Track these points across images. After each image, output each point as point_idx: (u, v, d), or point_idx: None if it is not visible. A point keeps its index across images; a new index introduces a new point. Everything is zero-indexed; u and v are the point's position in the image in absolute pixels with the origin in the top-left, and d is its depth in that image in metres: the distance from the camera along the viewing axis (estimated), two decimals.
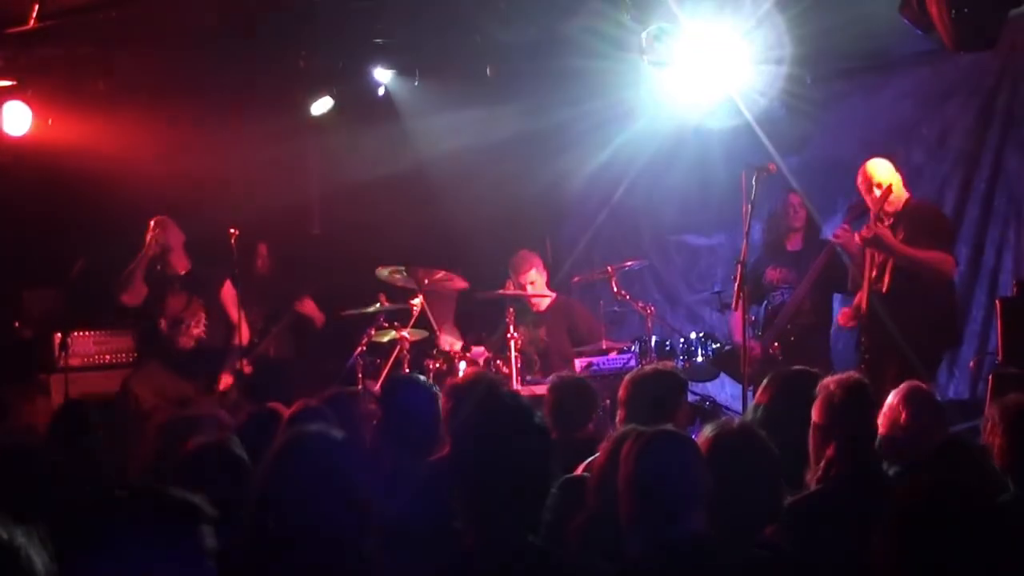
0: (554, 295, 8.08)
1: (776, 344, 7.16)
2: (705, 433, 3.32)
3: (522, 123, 8.63)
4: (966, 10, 5.48)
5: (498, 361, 7.51)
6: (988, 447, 3.87)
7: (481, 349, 7.81)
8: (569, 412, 4.99)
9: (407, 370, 7.36)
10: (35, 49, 7.80)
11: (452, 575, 2.90)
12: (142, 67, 8.19)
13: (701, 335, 7.45)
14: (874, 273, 6.65)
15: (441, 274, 7.80)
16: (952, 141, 7.92)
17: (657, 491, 2.95)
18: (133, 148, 8.40)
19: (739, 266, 6.52)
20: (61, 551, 1.95)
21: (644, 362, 6.90)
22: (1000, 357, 6.14)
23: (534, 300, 7.99)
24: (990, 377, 5.99)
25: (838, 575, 3.31)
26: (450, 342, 7.84)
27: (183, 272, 8.01)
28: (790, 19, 6.75)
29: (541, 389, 5.98)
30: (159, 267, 7.94)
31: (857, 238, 6.62)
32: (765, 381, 4.30)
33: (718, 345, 7.37)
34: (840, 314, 7.05)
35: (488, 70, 8.28)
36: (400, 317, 7.85)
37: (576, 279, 8.26)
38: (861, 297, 6.68)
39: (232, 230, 7.71)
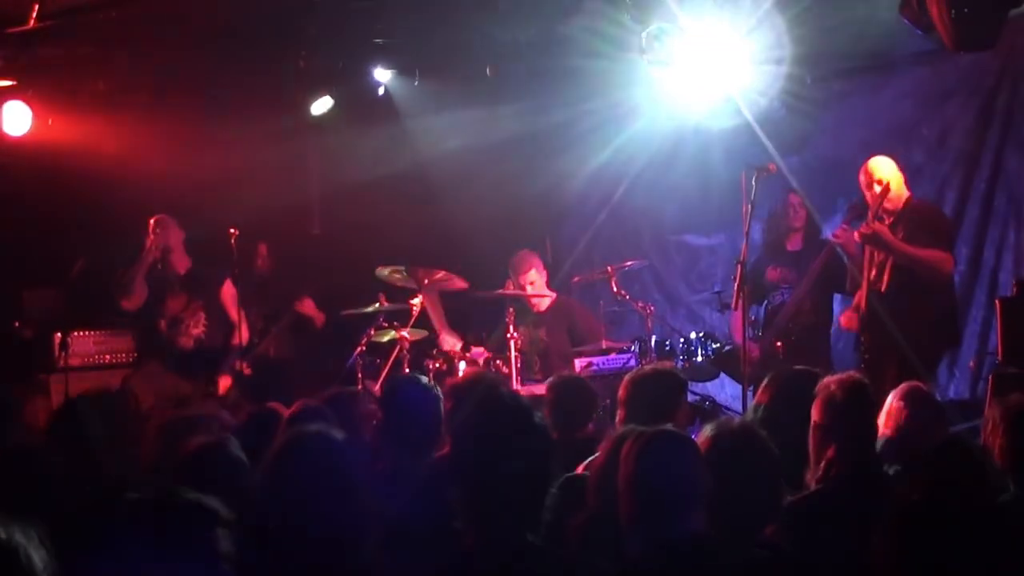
0: (554, 295, 8.08)
1: (779, 343, 7.15)
2: (705, 433, 3.32)
3: (522, 123, 8.63)
4: (966, 10, 5.48)
5: (498, 361, 7.51)
6: (988, 447, 3.87)
7: (481, 349, 7.81)
8: (569, 412, 4.99)
9: (407, 370, 7.36)
10: (35, 49, 7.80)
11: (452, 575, 2.90)
12: (142, 67, 8.19)
13: (701, 335, 7.45)
14: (873, 272, 6.65)
15: (441, 274, 7.80)
16: (952, 141, 7.93)
17: (657, 491, 2.95)
18: (133, 148, 8.40)
19: (739, 266, 6.52)
20: (76, 554, 1.94)
21: (644, 362, 6.90)
22: (1000, 357, 6.13)
23: (534, 300, 7.99)
24: (990, 377, 6.00)
25: (838, 575, 3.31)
26: (451, 342, 7.84)
27: (183, 271, 8.00)
28: (790, 19, 6.75)
29: (541, 389, 5.98)
30: (159, 266, 7.94)
31: (856, 236, 6.62)
32: (765, 381, 4.30)
33: (718, 345, 7.38)
34: (842, 316, 7.05)
35: (488, 70, 8.28)
36: (400, 317, 7.85)
37: (576, 279, 8.26)
38: (860, 297, 6.68)
39: (232, 230, 7.71)
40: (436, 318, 7.87)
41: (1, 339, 8.66)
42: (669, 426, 3.31)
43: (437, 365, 7.46)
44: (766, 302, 7.48)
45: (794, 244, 7.50)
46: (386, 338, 7.80)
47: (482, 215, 9.00)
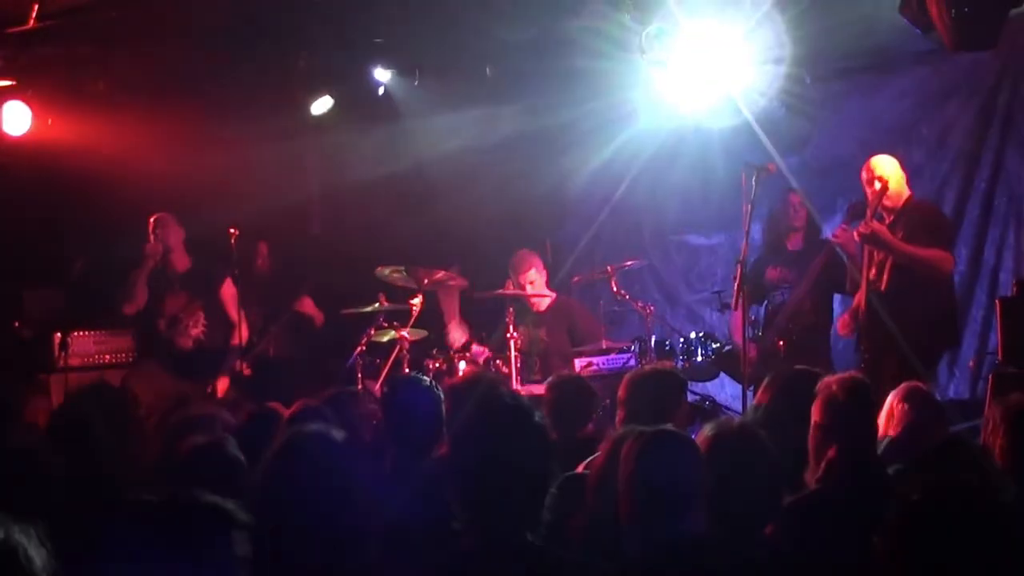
0: (554, 295, 8.08)
1: (779, 343, 7.15)
2: (705, 433, 3.32)
3: (522, 123, 8.63)
4: (966, 10, 5.48)
5: (498, 361, 7.51)
6: (988, 447, 3.87)
7: (481, 349, 7.81)
8: (569, 412, 4.99)
9: (407, 370, 7.36)
10: (35, 49, 7.80)
11: (452, 575, 2.90)
12: (142, 67, 8.19)
13: (701, 335, 7.45)
14: (873, 272, 6.65)
15: (441, 274, 7.81)
16: (952, 141, 7.93)
17: (657, 491, 2.95)
18: (133, 148, 8.40)
19: (739, 266, 6.53)
20: (78, 555, 1.94)
21: (644, 362, 6.91)
22: (1000, 357, 6.13)
23: (534, 300, 7.99)
24: (990, 377, 5.99)
25: (838, 575, 3.31)
26: (456, 336, 7.84)
27: (183, 270, 8.01)
28: (790, 19, 6.74)
29: (541, 389, 5.98)
30: (159, 265, 7.94)
31: (855, 235, 6.62)
32: (765, 381, 4.30)
33: (718, 345, 7.38)
34: (839, 320, 7.04)
35: (488, 70, 8.28)
36: (400, 317, 7.85)
37: (576, 279, 8.26)
38: (860, 298, 6.68)
39: (232, 230, 7.72)
40: (448, 310, 7.88)
41: (1, 339, 8.67)
42: (669, 426, 3.31)
43: (437, 365, 7.46)
44: (766, 302, 7.47)
45: (794, 244, 7.50)
46: (386, 338, 7.80)
47: (482, 215, 9.00)
